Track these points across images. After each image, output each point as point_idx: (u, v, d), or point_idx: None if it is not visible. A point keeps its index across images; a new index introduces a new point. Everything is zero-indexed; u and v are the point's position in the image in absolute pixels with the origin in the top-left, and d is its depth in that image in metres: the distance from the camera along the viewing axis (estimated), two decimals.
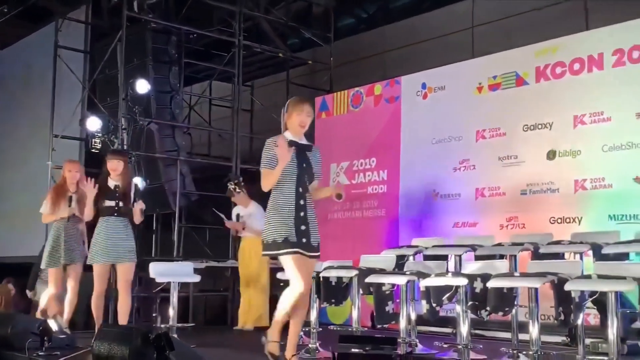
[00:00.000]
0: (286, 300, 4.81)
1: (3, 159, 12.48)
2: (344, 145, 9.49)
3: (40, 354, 5.52)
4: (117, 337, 4.64)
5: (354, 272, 6.24)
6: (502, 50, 8.15)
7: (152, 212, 9.81)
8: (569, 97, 7.35)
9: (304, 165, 4.89)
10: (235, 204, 8.54)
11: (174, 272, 7.10)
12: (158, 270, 6.99)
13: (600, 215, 6.96)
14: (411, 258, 7.09)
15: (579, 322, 5.00)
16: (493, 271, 5.51)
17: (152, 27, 9.85)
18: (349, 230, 9.01)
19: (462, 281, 5.46)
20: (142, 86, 9.11)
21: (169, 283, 6.97)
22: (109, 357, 4.61)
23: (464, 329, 5.51)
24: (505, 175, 7.77)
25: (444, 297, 5.56)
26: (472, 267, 5.88)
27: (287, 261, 4.80)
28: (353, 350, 4.39)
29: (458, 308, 5.53)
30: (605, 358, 4.79)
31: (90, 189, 6.20)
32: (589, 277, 4.95)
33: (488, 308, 5.37)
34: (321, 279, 6.30)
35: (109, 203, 6.21)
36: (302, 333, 5.81)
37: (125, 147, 9.02)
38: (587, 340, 5.29)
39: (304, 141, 5.00)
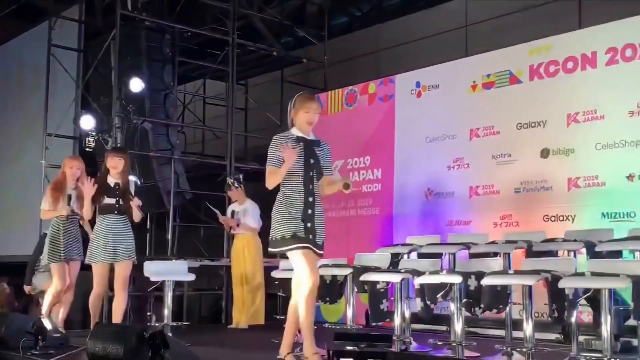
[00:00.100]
0: (308, 302, 4.73)
1: None
2: (339, 144, 9.45)
3: (34, 352, 5.51)
4: (112, 335, 4.65)
5: (348, 270, 6.25)
6: (496, 49, 8.16)
7: (147, 211, 9.79)
8: (563, 96, 7.38)
9: (312, 161, 4.86)
10: (230, 201, 8.56)
11: (169, 271, 7.10)
12: (152, 269, 6.98)
13: (593, 213, 6.98)
14: (405, 256, 7.11)
15: (573, 319, 5.02)
16: (487, 269, 5.53)
17: (146, 25, 9.82)
18: (343, 229, 9.01)
19: (456, 279, 5.48)
20: (136, 85, 9.09)
21: (163, 282, 6.97)
22: (103, 356, 4.61)
23: (458, 326, 5.53)
24: (499, 174, 7.79)
25: (439, 295, 5.59)
26: (466, 265, 5.91)
27: (297, 257, 4.77)
28: (348, 347, 4.41)
29: (452, 306, 5.55)
30: (599, 355, 4.81)
31: (89, 188, 6.19)
32: (582, 274, 4.97)
33: (482, 306, 5.39)
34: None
35: (109, 201, 6.18)
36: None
37: (118, 145, 9.00)
38: (581, 338, 5.31)
39: (311, 137, 4.97)
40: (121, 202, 6.19)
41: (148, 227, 10.50)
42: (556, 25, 8.09)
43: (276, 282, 6.68)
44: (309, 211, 4.79)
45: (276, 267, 6.82)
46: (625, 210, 6.76)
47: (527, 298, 5.12)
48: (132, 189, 6.35)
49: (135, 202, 6.23)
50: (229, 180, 8.37)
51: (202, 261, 9.03)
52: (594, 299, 4.82)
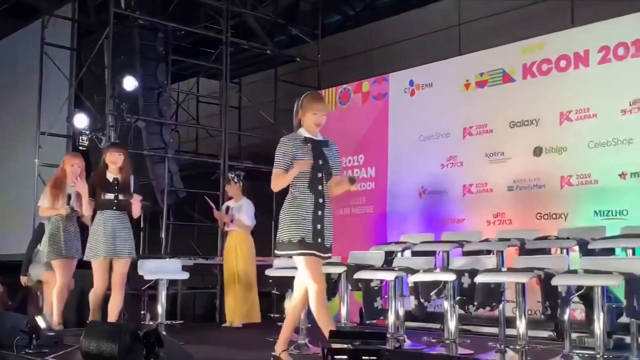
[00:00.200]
0: (318, 305, 4.75)
1: None
2: None
3: (28, 351, 5.51)
4: (106, 334, 4.64)
5: (342, 269, 6.26)
6: (489, 48, 8.19)
7: (144, 209, 9.80)
8: (555, 94, 7.40)
9: (321, 162, 4.82)
10: (226, 198, 8.58)
11: (163, 270, 7.10)
12: (146, 268, 6.98)
13: (586, 211, 7.02)
14: (399, 254, 7.12)
15: (566, 316, 5.06)
16: (480, 267, 5.55)
17: (139, 24, 9.80)
18: (337, 227, 8.86)
19: (450, 277, 5.50)
20: (130, 83, 9.08)
21: (157, 280, 6.96)
22: (98, 354, 4.61)
23: (451, 324, 5.56)
24: (492, 172, 7.82)
25: (432, 293, 5.61)
26: (459, 262, 5.92)
27: (302, 263, 4.75)
28: (342, 345, 4.41)
29: (446, 303, 5.57)
30: (592, 352, 4.84)
31: (81, 186, 6.18)
32: (575, 272, 4.99)
33: (475, 303, 5.42)
34: None
35: (108, 196, 6.16)
36: None
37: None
38: (574, 335, 5.34)
39: (319, 137, 4.93)
40: (120, 198, 6.18)
41: (142, 225, 10.49)
42: (549, 24, 8.11)
43: (270, 281, 6.68)
44: (319, 212, 4.75)
45: (270, 266, 6.82)
46: (618, 208, 6.80)
47: (520, 295, 5.14)
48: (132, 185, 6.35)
49: (137, 199, 6.22)
50: (230, 175, 8.40)
51: (196, 259, 9.01)
52: (586, 296, 4.85)
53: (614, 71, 6.99)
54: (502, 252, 6.54)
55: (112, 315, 6.17)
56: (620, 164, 6.82)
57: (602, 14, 7.40)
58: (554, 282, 4.89)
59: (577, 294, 4.91)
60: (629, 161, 6.77)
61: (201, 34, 10.57)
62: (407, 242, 7.52)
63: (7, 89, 12.15)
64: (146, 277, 7.08)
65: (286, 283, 6.25)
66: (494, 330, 6.13)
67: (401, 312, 6.00)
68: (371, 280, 6.01)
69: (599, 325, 4.71)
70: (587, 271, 4.87)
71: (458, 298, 5.50)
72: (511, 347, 5.39)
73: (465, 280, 5.47)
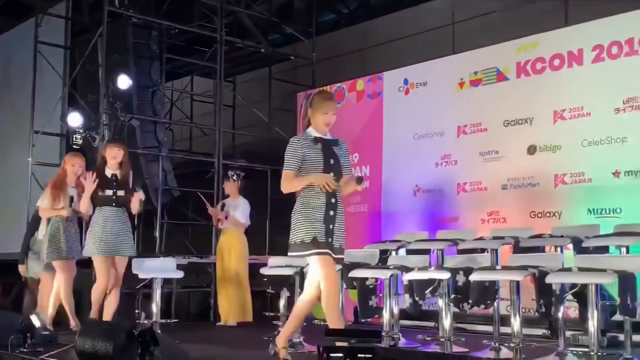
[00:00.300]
0: (329, 305, 4.75)
1: None
2: None
3: (23, 350, 5.49)
4: (101, 333, 4.63)
5: (337, 267, 6.25)
6: (483, 46, 8.21)
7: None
8: (549, 93, 7.42)
9: (332, 161, 4.79)
10: (222, 197, 8.59)
11: (157, 268, 7.08)
12: (141, 267, 6.97)
13: (579, 209, 7.04)
14: (394, 252, 7.13)
15: (560, 314, 5.07)
16: (475, 265, 5.56)
17: (133, 22, 9.78)
18: None
19: (445, 275, 5.51)
20: (123, 82, 9.06)
21: (151, 279, 6.96)
22: (93, 353, 4.60)
23: (446, 322, 5.57)
24: (487, 170, 7.84)
25: (427, 291, 5.62)
26: (454, 261, 5.94)
27: (315, 262, 4.73)
28: (338, 343, 4.41)
29: (440, 301, 5.58)
30: (586, 350, 4.86)
31: (90, 184, 6.16)
32: (569, 270, 5.01)
33: (470, 301, 5.43)
34: (305, 274, 6.30)
35: (107, 192, 6.15)
36: None
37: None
38: (568, 333, 5.35)
39: (328, 136, 4.91)
40: (119, 194, 6.16)
41: (136, 224, 10.47)
42: (543, 23, 8.13)
43: (265, 279, 6.68)
44: (331, 212, 4.72)
45: (264, 264, 6.82)
46: (611, 206, 6.82)
47: (514, 293, 5.16)
48: (131, 181, 6.33)
49: (137, 196, 6.20)
50: (230, 172, 8.41)
51: (190, 258, 9.01)
52: (580, 294, 4.86)
53: (608, 70, 7.01)
54: (496, 250, 6.55)
55: (108, 314, 6.17)
56: (613, 162, 6.85)
57: (596, 13, 7.42)
58: (548, 280, 4.90)
59: (571, 291, 4.92)
60: (623, 160, 6.80)
61: (195, 32, 10.55)
62: (402, 240, 7.53)
63: (0, 88, 12.10)
64: (141, 276, 7.07)
65: (281, 282, 6.25)
66: (488, 328, 6.14)
67: (396, 311, 6.00)
68: (366, 278, 6.01)
69: (592, 323, 4.72)
70: (581, 269, 4.88)
71: (453, 296, 5.51)
72: (505, 345, 5.41)
73: (460, 279, 5.49)
